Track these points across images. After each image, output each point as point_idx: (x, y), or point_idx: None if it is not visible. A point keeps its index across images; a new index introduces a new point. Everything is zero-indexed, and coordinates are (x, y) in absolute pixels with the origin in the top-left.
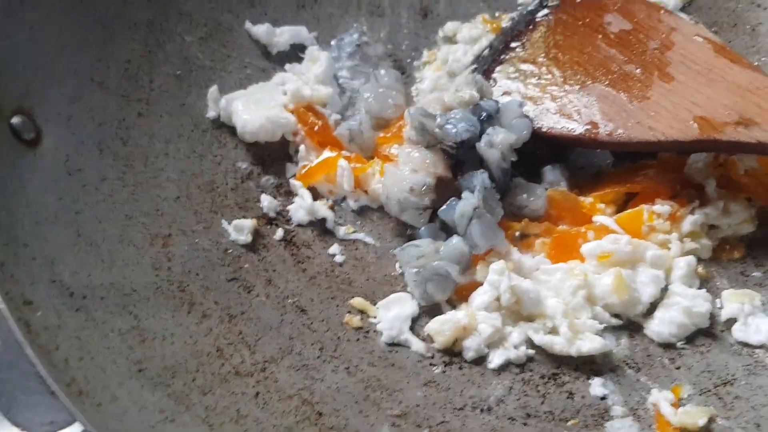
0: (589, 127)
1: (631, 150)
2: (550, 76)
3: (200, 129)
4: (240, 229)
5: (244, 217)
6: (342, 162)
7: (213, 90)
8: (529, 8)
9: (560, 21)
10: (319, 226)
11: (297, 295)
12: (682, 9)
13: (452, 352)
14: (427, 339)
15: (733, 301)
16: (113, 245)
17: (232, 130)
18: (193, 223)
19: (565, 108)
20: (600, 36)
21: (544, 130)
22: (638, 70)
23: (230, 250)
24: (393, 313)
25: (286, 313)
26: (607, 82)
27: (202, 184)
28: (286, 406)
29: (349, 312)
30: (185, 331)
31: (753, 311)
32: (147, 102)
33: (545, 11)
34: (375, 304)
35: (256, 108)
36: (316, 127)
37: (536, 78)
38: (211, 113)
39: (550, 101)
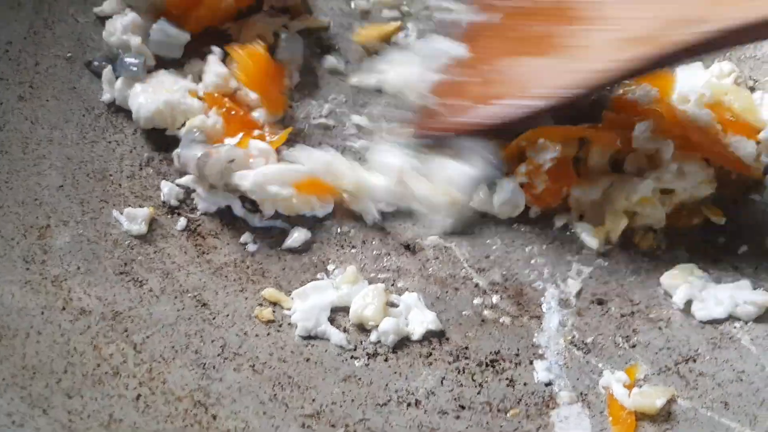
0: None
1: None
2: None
3: (93, 114)
4: (133, 218)
5: (140, 206)
6: (255, 143)
7: (107, 71)
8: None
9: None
10: (229, 214)
11: (198, 289)
12: None
13: (377, 343)
14: (349, 329)
15: (676, 282)
16: None
17: (130, 114)
18: (78, 213)
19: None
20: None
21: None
22: (552, 30)
23: (120, 242)
24: (309, 303)
25: (183, 308)
26: (530, 50)
27: (91, 171)
28: (172, 409)
29: (260, 305)
30: (55, 329)
31: (703, 285)
32: (30, 85)
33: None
34: (290, 295)
35: (154, 91)
36: (233, 112)
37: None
38: (105, 96)
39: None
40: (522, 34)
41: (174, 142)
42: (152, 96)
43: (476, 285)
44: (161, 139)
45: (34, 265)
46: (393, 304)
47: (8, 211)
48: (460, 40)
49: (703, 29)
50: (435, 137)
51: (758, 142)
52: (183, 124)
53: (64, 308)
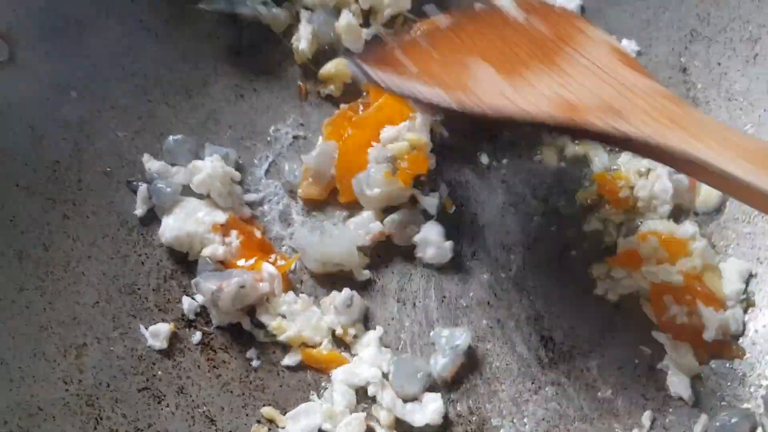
0: (459, 94)
1: (490, 121)
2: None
3: (126, 227)
4: (156, 335)
5: (163, 320)
6: (267, 266)
7: (143, 189)
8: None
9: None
10: (239, 327)
11: (208, 404)
12: None
13: None
14: None
15: None
16: (24, 361)
17: (160, 226)
18: (110, 329)
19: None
20: (501, 24)
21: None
22: (525, 54)
23: (144, 357)
24: (301, 425)
25: (194, 423)
26: (492, 60)
27: (122, 286)
28: None
29: (258, 422)
30: None
31: None
32: (73, 203)
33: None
34: (285, 414)
35: (184, 218)
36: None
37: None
38: (138, 210)
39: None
40: (487, 40)
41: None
42: (179, 223)
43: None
44: (184, 253)
45: (72, 386)
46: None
47: (51, 332)
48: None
49: (622, 128)
50: (369, 78)
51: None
52: None
53: (95, 428)
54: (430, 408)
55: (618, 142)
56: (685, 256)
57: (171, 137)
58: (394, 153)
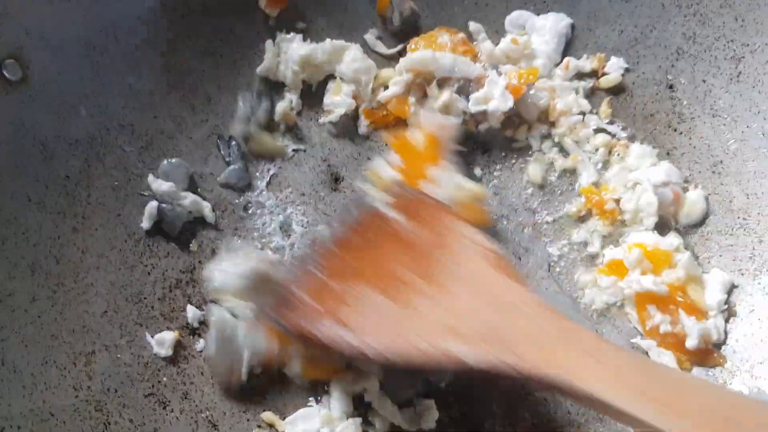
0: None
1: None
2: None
3: (133, 239)
4: (161, 343)
5: (168, 328)
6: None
7: (152, 206)
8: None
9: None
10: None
11: (210, 409)
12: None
13: None
14: None
15: None
16: (36, 369)
17: (165, 237)
18: (117, 337)
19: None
20: (385, 235)
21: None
22: (409, 274)
23: (150, 364)
24: (300, 430)
25: (198, 428)
26: (382, 287)
27: (129, 295)
28: None
29: (259, 426)
30: None
31: None
32: (83, 216)
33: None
34: (284, 419)
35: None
36: None
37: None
38: (144, 224)
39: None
40: (385, 265)
41: (200, 263)
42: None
43: None
44: (189, 261)
45: (81, 392)
46: None
47: (62, 341)
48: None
49: (516, 365)
50: (288, 331)
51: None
52: None
53: None
54: (425, 413)
55: (503, 378)
56: (669, 267)
57: (166, 160)
58: None
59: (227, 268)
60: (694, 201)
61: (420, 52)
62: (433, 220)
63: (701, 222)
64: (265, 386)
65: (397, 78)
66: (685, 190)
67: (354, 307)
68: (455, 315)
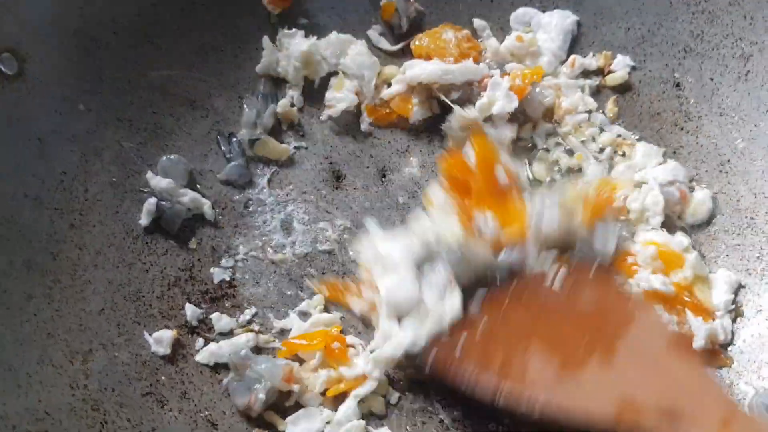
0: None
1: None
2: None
3: (132, 236)
4: (160, 341)
5: (167, 326)
6: None
7: (150, 202)
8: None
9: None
10: None
11: (209, 409)
12: None
13: None
14: None
15: None
16: (32, 368)
17: (164, 234)
18: (115, 335)
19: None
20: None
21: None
22: (584, 341)
23: (148, 363)
24: (300, 430)
25: (197, 428)
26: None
27: (128, 294)
28: None
29: (259, 426)
30: None
31: None
32: (80, 213)
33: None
34: (285, 418)
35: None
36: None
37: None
38: (143, 221)
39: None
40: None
41: (199, 261)
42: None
43: None
44: (188, 259)
45: (78, 391)
46: None
47: (58, 339)
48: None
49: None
50: (435, 379)
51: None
52: None
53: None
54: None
55: None
56: (679, 269)
57: (165, 156)
58: None
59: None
60: (700, 200)
61: (420, 66)
62: (613, 304)
63: (707, 221)
64: None
65: (399, 76)
66: (691, 189)
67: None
68: (624, 387)
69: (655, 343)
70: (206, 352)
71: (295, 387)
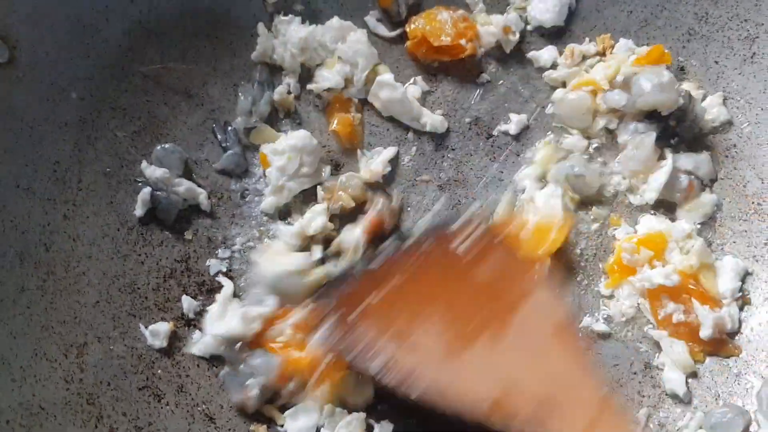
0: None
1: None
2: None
3: (126, 227)
4: (156, 334)
5: (163, 319)
6: None
7: (145, 192)
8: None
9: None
10: None
11: (207, 402)
12: None
13: None
14: None
15: None
16: (26, 361)
17: (159, 225)
18: (110, 328)
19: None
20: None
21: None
22: (478, 316)
23: (144, 356)
24: (300, 424)
25: (194, 422)
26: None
27: (123, 286)
28: None
29: (257, 420)
30: None
31: None
32: (74, 203)
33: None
34: (284, 412)
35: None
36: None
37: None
38: (138, 211)
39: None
40: (452, 309)
41: (195, 252)
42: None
43: None
44: (184, 251)
45: (73, 385)
46: (370, 428)
47: (52, 332)
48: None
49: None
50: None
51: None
52: None
53: (96, 427)
54: None
55: None
56: (666, 247)
57: (159, 146)
58: None
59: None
60: (704, 202)
61: None
62: (513, 275)
63: (702, 222)
64: None
65: None
66: (704, 187)
67: (410, 340)
68: (508, 372)
69: (543, 326)
70: (201, 344)
71: (291, 385)
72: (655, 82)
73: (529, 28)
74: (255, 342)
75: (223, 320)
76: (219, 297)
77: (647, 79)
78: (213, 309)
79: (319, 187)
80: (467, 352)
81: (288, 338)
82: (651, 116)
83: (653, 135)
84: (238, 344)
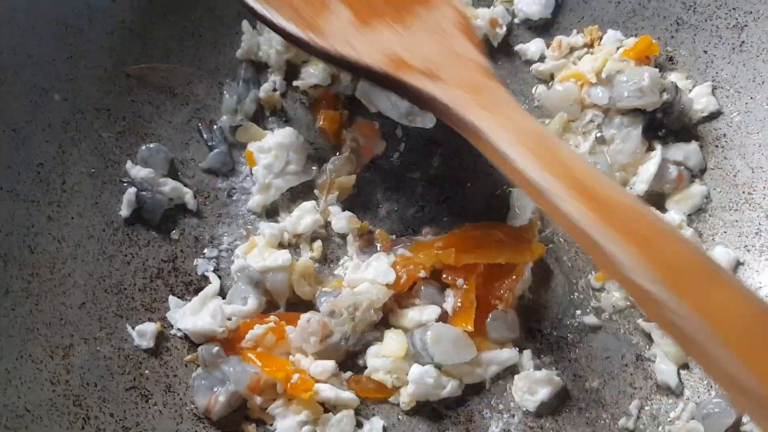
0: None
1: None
2: None
3: (112, 228)
4: (143, 335)
5: (150, 319)
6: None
7: (131, 192)
8: None
9: None
10: None
11: (195, 402)
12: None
13: None
14: None
15: None
16: (11, 363)
17: (146, 225)
18: (96, 330)
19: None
20: None
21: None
22: (381, 4)
23: (131, 357)
24: (289, 423)
25: (182, 422)
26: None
27: (109, 287)
28: None
29: (247, 418)
30: None
31: None
32: (58, 204)
33: None
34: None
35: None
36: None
37: None
38: (123, 212)
39: None
40: None
41: (182, 252)
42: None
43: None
44: (171, 251)
45: (59, 386)
46: (360, 425)
47: (37, 333)
48: None
49: (429, 89)
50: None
51: None
52: None
53: (83, 428)
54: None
55: (426, 101)
56: None
57: (144, 146)
58: None
59: None
60: (694, 192)
61: None
62: None
63: (692, 213)
64: None
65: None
66: (693, 179)
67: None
68: (405, 48)
69: (445, 17)
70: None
71: (258, 399)
72: (634, 88)
73: (516, 20)
74: (232, 348)
75: (198, 315)
76: (202, 293)
77: (626, 83)
78: (190, 303)
79: (315, 191)
80: (375, 21)
81: (266, 343)
82: (636, 110)
83: (639, 128)
84: (215, 348)
